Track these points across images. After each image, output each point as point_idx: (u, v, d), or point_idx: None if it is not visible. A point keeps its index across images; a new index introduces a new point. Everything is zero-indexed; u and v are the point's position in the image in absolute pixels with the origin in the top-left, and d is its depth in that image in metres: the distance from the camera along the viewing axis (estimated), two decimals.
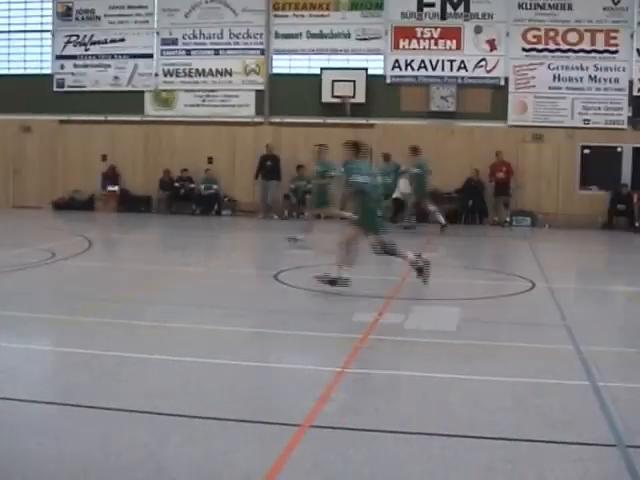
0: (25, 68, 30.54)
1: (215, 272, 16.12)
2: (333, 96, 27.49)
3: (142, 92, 29.40)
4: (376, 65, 27.93)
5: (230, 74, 28.74)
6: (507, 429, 6.65)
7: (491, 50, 27.35)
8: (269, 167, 27.63)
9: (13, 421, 6.83)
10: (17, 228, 23.64)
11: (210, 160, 28.52)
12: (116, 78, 29.53)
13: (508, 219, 26.79)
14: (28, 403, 7.27)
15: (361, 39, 27.94)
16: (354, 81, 27.47)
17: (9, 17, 30.56)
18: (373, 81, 27.60)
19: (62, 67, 30.01)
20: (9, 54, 30.58)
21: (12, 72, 30.41)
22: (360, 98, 27.41)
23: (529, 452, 6.18)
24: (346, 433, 6.58)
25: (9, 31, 30.57)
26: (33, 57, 30.50)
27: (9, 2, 30.59)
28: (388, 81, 27.82)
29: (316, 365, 8.77)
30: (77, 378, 8.24)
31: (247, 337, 10.45)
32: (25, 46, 30.57)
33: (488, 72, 27.39)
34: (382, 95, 27.56)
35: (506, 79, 27.28)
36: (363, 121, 27.50)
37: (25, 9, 30.54)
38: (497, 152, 26.69)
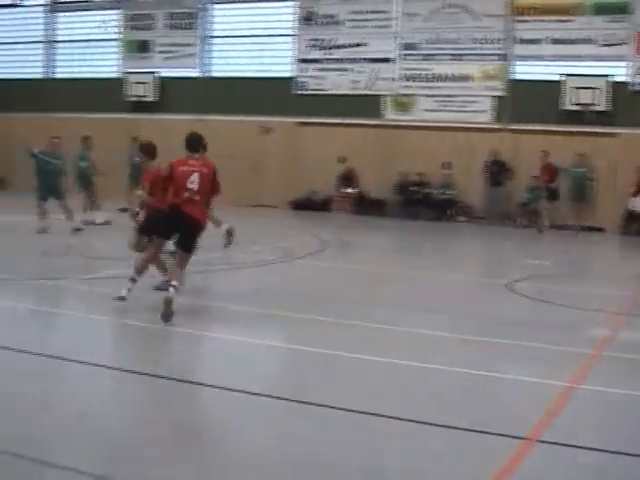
0: (267, 71, 31.90)
1: (444, 278, 16.42)
2: (573, 104, 27.31)
3: (381, 96, 30.13)
4: (619, 72, 27.46)
5: (469, 79, 29.04)
6: None
7: None
8: (495, 173, 27.76)
9: (243, 414, 7.46)
10: (255, 226, 24.67)
11: (446, 165, 28.74)
12: (356, 82, 30.39)
13: None
14: (259, 397, 7.87)
15: (604, 45, 27.55)
16: (596, 88, 27.18)
17: (254, 22, 32.04)
18: (616, 88, 27.20)
19: (303, 70, 31.17)
20: (252, 57, 32.04)
21: (256, 75, 31.95)
22: (603, 106, 27.13)
23: None
24: (573, 451, 6.57)
25: (252, 35, 32.02)
26: (275, 60, 31.82)
27: (253, 8, 32.01)
28: (633, 88, 27.31)
29: (543, 378, 8.74)
30: (307, 376, 8.89)
31: (470, 345, 10.50)
32: (267, 50, 31.97)
33: None
34: (626, 103, 27.07)
35: None
36: (605, 130, 27.13)
37: (268, 14, 31.89)
38: None
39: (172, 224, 11.29)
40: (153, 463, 6.20)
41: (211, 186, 11.41)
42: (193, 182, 11.14)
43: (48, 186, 20.69)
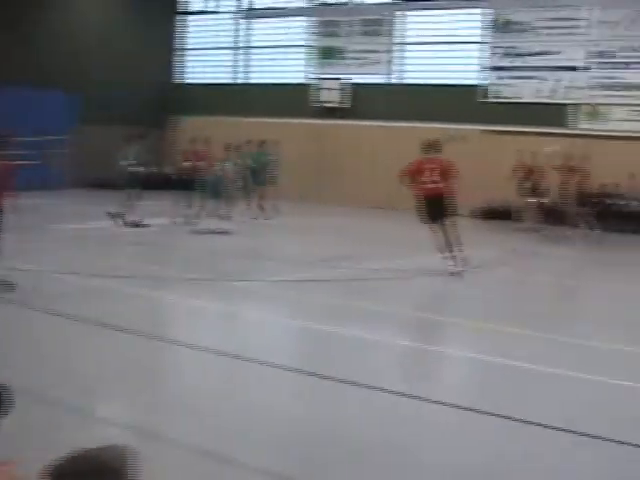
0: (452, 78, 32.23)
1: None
2: None
3: (571, 105, 29.94)
4: None
5: None
6: None
7: None
8: None
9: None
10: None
11: (631, 176, 28.08)
12: (545, 90, 30.39)
13: None
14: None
15: None
16: None
17: (441, 29, 32.40)
18: None
19: (493, 78, 31.35)
20: (438, 65, 32.46)
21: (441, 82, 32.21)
22: None
23: None
24: None
25: (438, 42, 32.42)
26: (460, 68, 32.19)
27: (440, 15, 32.54)
28: None
29: None
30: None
31: None
32: (453, 57, 32.27)
33: None
34: None
35: None
36: None
37: (455, 21, 32.39)
38: None
39: None
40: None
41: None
42: None
43: None
